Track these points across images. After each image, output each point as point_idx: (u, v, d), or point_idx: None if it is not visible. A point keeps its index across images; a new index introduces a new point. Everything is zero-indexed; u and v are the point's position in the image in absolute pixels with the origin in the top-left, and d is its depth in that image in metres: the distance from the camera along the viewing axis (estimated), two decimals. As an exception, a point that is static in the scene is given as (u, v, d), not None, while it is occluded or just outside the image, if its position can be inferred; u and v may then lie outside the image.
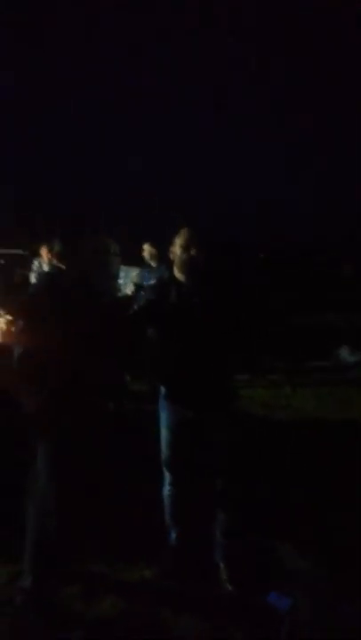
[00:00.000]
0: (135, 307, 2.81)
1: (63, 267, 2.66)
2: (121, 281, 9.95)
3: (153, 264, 5.69)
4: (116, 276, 6.90)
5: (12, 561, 2.66)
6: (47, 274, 2.94)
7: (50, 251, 7.12)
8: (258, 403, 5.60)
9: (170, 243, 2.76)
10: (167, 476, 2.77)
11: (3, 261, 9.89)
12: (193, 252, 2.60)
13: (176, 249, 2.66)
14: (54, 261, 2.78)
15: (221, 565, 2.69)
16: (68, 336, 2.42)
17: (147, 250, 5.72)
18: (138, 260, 6.29)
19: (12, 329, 6.28)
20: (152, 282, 4.66)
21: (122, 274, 10.19)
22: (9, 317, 6.49)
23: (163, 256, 5.20)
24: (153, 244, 5.61)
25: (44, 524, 2.48)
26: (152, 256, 5.62)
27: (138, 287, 5.77)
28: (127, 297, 5.83)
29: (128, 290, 8.63)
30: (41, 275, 7.10)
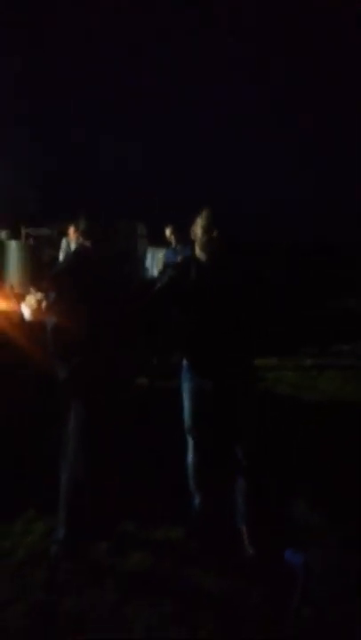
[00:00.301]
0: (158, 285, 2.96)
1: (88, 244, 2.79)
2: (148, 262, 10.09)
3: (174, 245, 5.82)
4: (143, 257, 7.01)
5: (47, 517, 2.88)
6: (75, 251, 3.08)
7: (76, 230, 7.31)
8: (285, 383, 5.74)
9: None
10: (190, 443, 2.94)
11: (32, 241, 10.10)
12: (215, 233, 2.72)
13: (197, 229, 2.77)
14: (80, 239, 2.89)
15: (243, 528, 2.86)
16: (93, 310, 2.59)
17: (168, 232, 5.86)
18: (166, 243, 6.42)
19: (43, 306, 6.52)
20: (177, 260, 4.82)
21: (148, 255, 10.32)
22: (39, 296, 6.73)
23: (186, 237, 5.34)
24: (174, 227, 5.75)
25: (75, 482, 2.68)
26: (174, 237, 5.76)
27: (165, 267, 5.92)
28: (153, 278, 5.98)
29: (156, 271, 8.77)
30: (68, 253, 7.29)
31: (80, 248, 2.89)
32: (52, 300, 2.75)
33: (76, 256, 2.96)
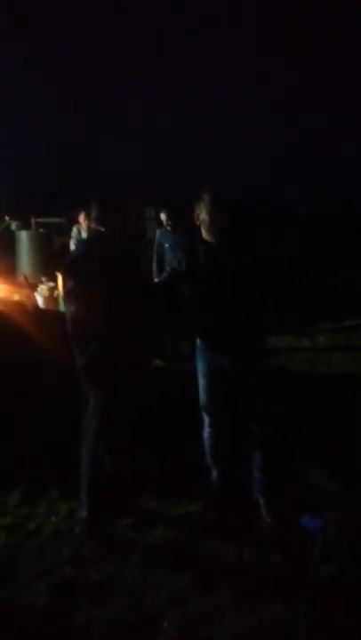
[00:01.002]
0: (167, 269, 3.00)
1: (102, 229, 2.80)
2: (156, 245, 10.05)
3: (169, 228, 5.87)
4: (152, 241, 7.05)
5: (70, 498, 2.97)
6: (89, 237, 3.07)
7: (87, 217, 7.34)
8: (298, 359, 5.76)
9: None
10: (206, 419, 3.01)
11: (42, 230, 10.16)
12: (217, 214, 2.76)
13: (202, 214, 2.81)
14: (93, 225, 2.88)
15: (260, 499, 2.93)
16: (110, 296, 2.62)
17: (164, 217, 5.91)
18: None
19: (54, 295, 6.61)
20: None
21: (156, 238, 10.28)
22: (51, 284, 6.81)
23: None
24: (169, 211, 5.79)
25: (95, 463, 2.76)
26: (170, 223, 5.81)
27: (159, 246, 5.99)
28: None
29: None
30: (81, 239, 7.32)
31: (94, 234, 2.89)
32: (70, 287, 2.76)
33: (91, 242, 2.96)
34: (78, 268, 2.76)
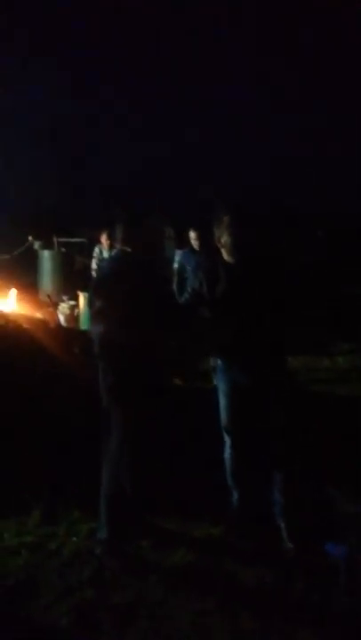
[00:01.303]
0: (188, 289, 3.01)
1: (128, 250, 2.80)
2: (176, 265, 10.15)
3: (196, 247, 5.84)
4: (171, 260, 7.13)
5: (92, 518, 2.96)
6: (115, 257, 3.06)
7: (109, 237, 7.44)
8: (317, 380, 5.71)
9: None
10: (227, 440, 2.99)
11: (64, 249, 10.28)
12: (237, 236, 2.78)
13: (222, 236, 2.83)
14: (118, 245, 2.88)
15: (281, 523, 2.89)
16: (138, 315, 2.62)
17: (193, 235, 5.87)
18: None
19: (75, 313, 6.67)
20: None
21: (176, 257, 10.38)
22: (72, 303, 6.89)
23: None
24: (200, 232, 5.76)
25: (116, 484, 2.75)
26: (198, 243, 5.77)
27: (181, 267, 5.98)
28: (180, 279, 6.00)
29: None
30: (105, 259, 7.38)
31: (121, 253, 2.86)
32: (98, 308, 2.77)
33: (118, 262, 2.94)
34: (106, 289, 2.78)
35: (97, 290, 2.83)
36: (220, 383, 2.99)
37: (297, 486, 2.90)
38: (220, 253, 2.90)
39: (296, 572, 2.59)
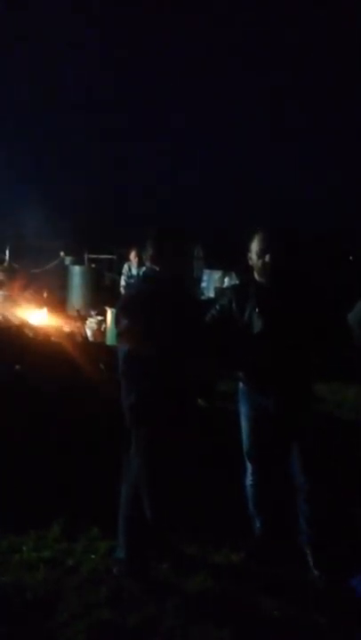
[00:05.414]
0: (216, 307, 2.98)
1: (157, 268, 2.77)
2: (204, 284, 10.18)
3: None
4: (200, 279, 7.10)
5: (111, 536, 2.92)
6: (143, 276, 3.04)
7: (138, 254, 7.51)
8: (346, 407, 5.59)
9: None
10: (249, 466, 2.94)
11: (94, 265, 10.44)
12: (267, 257, 2.74)
13: (253, 254, 2.80)
14: (147, 263, 2.84)
15: (307, 552, 2.81)
16: (165, 336, 2.60)
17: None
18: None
19: (102, 328, 6.72)
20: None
21: (205, 277, 10.41)
22: (99, 318, 6.95)
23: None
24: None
25: (136, 504, 2.71)
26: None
27: (220, 290, 5.95)
28: (209, 300, 6.01)
29: (211, 292, 8.82)
30: (134, 277, 7.42)
31: (150, 272, 2.82)
32: (124, 327, 2.72)
33: (146, 281, 2.91)
34: (132, 309, 2.76)
35: (124, 308, 2.80)
36: (243, 407, 2.94)
37: (324, 514, 2.82)
38: (252, 272, 2.87)
39: (319, 606, 2.51)
